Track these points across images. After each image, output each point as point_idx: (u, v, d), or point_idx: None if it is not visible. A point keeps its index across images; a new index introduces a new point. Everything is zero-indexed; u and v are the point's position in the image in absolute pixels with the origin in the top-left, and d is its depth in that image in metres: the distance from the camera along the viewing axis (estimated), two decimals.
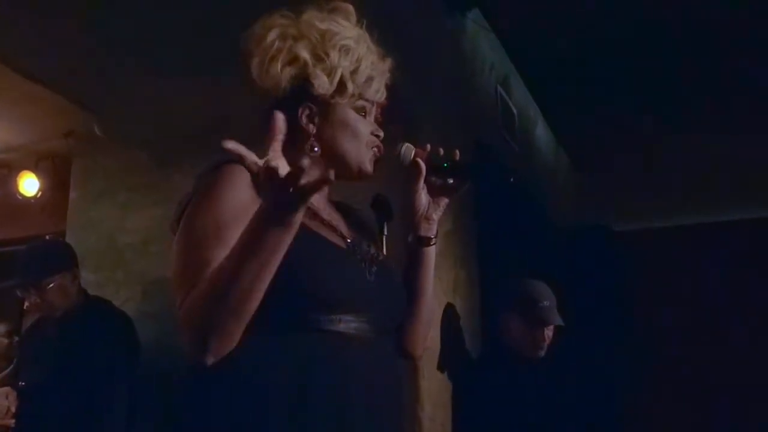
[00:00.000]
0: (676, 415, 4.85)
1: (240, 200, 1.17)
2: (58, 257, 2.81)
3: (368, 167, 1.34)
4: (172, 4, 2.46)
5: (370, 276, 1.28)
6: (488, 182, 1.44)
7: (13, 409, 2.57)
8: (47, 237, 3.85)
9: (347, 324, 1.19)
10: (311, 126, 1.31)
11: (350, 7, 1.38)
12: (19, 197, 4.42)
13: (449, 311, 2.85)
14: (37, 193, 4.43)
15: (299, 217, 1.04)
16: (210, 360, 1.09)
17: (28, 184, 4.43)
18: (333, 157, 1.31)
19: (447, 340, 2.76)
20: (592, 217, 5.01)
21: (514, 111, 4.10)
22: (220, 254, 1.10)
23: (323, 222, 1.30)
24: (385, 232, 1.89)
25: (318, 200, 1.33)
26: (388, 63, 1.38)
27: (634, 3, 3.59)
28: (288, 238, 1.05)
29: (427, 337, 1.48)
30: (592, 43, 3.91)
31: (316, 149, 1.30)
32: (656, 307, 5.05)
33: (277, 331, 1.14)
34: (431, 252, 1.44)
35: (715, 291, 5.04)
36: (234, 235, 1.10)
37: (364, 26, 1.37)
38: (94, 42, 2.67)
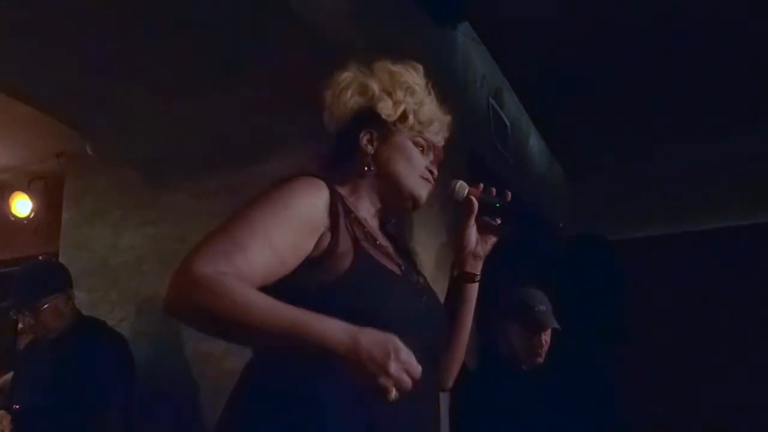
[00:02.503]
0: (675, 422, 4.84)
1: (308, 215, 1.20)
2: (52, 278, 2.79)
3: (420, 192, 1.39)
4: (163, 25, 2.47)
5: (421, 304, 1.30)
6: (534, 229, 1.48)
7: None
8: (41, 258, 3.84)
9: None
10: (369, 147, 1.37)
11: (420, 66, 1.48)
12: (12, 218, 4.41)
13: None
14: (30, 213, 4.42)
15: None
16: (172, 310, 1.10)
17: (21, 205, 4.42)
18: (387, 178, 1.37)
19: None
20: (587, 227, 5.01)
21: (507, 123, 4.11)
22: (259, 253, 1.13)
23: (381, 248, 1.31)
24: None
25: (375, 226, 1.37)
26: (449, 118, 1.46)
27: (625, 13, 3.62)
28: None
29: (458, 371, 1.50)
30: (584, 53, 3.93)
31: (371, 168, 1.36)
32: (652, 314, 5.05)
33: None
34: (474, 288, 1.48)
35: (711, 298, 5.04)
36: (283, 244, 1.15)
37: (430, 86, 1.47)
38: (85, 63, 2.67)
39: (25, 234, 4.48)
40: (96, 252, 3.59)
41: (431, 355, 1.28)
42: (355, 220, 1.28)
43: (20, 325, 3.02)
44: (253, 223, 1.16)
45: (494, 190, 1.44)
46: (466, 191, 1.43)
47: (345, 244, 1.22)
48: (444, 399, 2.77)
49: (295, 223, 1.18)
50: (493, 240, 1.47)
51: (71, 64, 2.69)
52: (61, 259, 3.53)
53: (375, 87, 1.38)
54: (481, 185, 1.45)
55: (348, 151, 1.38)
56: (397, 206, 1.41)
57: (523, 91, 4.44)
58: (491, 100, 3.93)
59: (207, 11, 2.40)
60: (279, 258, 1.16)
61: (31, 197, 4.44)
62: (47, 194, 4.40)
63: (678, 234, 5.33)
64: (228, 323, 1.07)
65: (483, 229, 1.46)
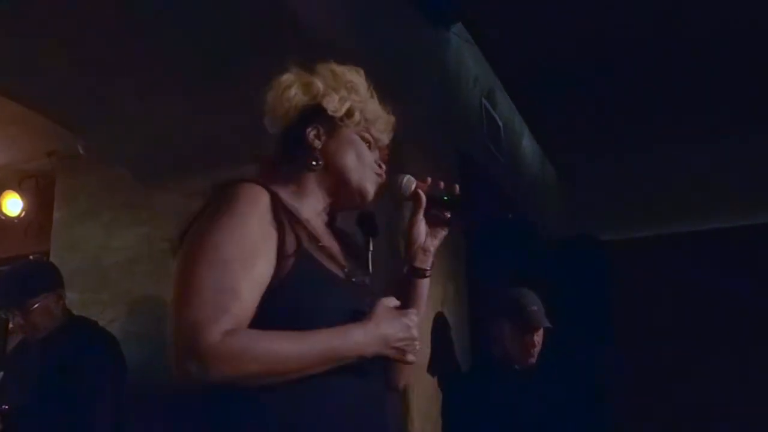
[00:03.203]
0: (671, 423, 4.86)
1: (264, 224, 1.19)
2: (43, 278, 2.78)
3: (368, 186, 1.37)
4: (156, 24, 2.46)
5: (365, 306, 1.27)
6: (485, 218, 1.46)
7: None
8: (31, 257, 3.82)
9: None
10: (317, 142, 1.35)
11: (360, 69, 1.45)
12: (3, 217, 4.38)
13: (439, 320, 2.84)
14: (21, 212, 4.40)
15: None
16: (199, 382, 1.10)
17: (12, 204, 4.39)
18: (335, 171, 1.35)
19: (436, 351, 2.76)
20: (579, 227, 5.02)
21: (500, 123, 4.12)
22: (248, 289, 1.12)
23: (324, 249, 1.29)
24: (371, 248, 1.89)
25: (319, 226, 1.34)
26: (393, 118, 1.44)
27: (619, 14, 3.63)
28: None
29: (412, 372, 1.48)
30: (577, 54, 3.94)
31: (319, 162, 1.34)
32: (644, 315, 5.06)
33: None
34: (425, 284, 1.45)
35: (702, 299, 5.06)
36: (259, 267, 1.14)
37: (371, 89, 1.44)
38: (78, 62, 2.66)
39: (15, 233, 4.46)
40: (87, 252, 3.57)
41: (377, 358, 1.26)
42: (297, 222, 1.26)
43: (10, 325, 3.01)
44: (226, 259, 1.13)
45: (442, 183, 1.43)
46: (414, 186, 1.41)
47: (290, 247, 1.20)
48: (435, 399, 2.78)
49: (258, 239, 1.17)
50: (442, 234, 1.45)
51: (63, 64, 2.68)
52: (52, 259, 3.51)
53: (319, 85, 1.36)
54: (429, 179, 1.43)
55: (294, 148, 1.36)
56: (345, 202, 1.39)
57: (516, 92, 4.45)
58: (484, 101, 3.94)
59: (201, 11, 2.39)
60: (261, 284, 1.16)
61: (22, 196, 4.41)
62: (38, 193, 4.38)
63: (670, 235, 5.35)
64: (263, 376, 1.10)
65: (432, 224, 1.44)
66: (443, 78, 3.45)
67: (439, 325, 2.85)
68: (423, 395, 2.68)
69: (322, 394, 1.16)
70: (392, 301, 1.24)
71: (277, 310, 1.12)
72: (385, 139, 1.42)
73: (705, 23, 3.67)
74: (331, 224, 1.43)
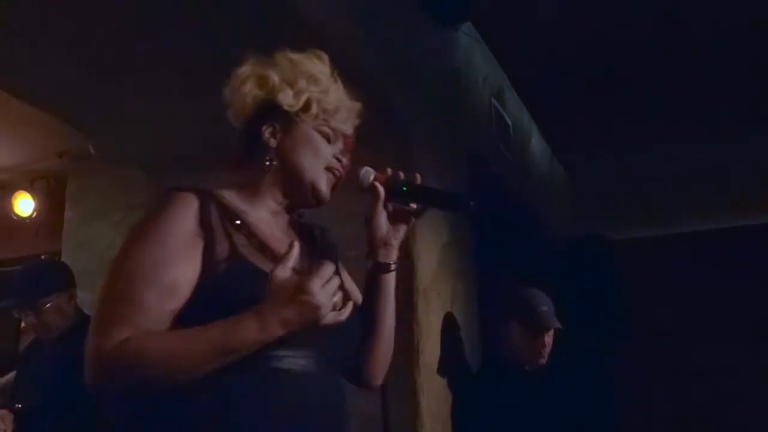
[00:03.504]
0: (676, 422, 4.84)
1: (182, 235, 1.17)
2: (55, 277, 2.79)
3: (322, 187, 1.32)
4: (166, 25, 2.47)
5: None
6: (449, 207, 1.40)
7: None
8: (43, 257, 3.84)
9: (289, 360, 1.16)
10: (272, 140, 1.31)
11: (324, 54, 1.39)
12: (15, 217, 4.41)
13: (448, 320, 2.84)
14: (32, 212, 4.42)
15: None
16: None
17: (23, 204, 4.42)
18: (289, 171, 1.31)
19: (446, 350, 2.76)
20: (588, 227, 5.01)
21: (509, 122, 4.11)
22: (152, 298, 1.11)
23: (268, 252, 1.25)
24: None
25: (269, 227, 1.31)
26: (357, 105, 1.39)
27: (627, 13, 3.62)
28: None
29: (387, 366, 1.43)
30: (586, 53, 3.93)
31: (273, 162, 1.30)
32: (654, 315, 5.05)
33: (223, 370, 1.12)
34: (390, 279, 1.39)
35: (713, 298, 5.04)
36: (169, 275, 1.13)
37: (335, 74, 1.38)
38: (88, 62, 2.68)
39: (27, 233, 4.49)
40: (98, 251, 3.59)
41: (332, 360, 1.23)
42: (239, 226, 1.24)
43: (23, 325, 3.02)
44: (135, 271, 1.13)
45: (402, 174, 1.36)
46: (372, 177, 1.35)
47: (221, 252, 1.18)
48: (445, 400, 2.78)
49: (177, 253, 1.15)
50: (405, 227, 1.37)
51: (74, 64, 2.70)
52: (64, 259, 3.53)
53: (275, 78, 1.31)
54: (389, 170, 1.36)
55: (252, 146, 1.33)
56: (300, 201, 1.34)
57: (525, 91, 4.44)
58: (493, 100, 3.94)
59: (210, 10, 2.40)
60: (173, 292, 1.14)
61: (33, 196, 4.44)
62: (50, 193, 4.41)
63: (679, 234, 5.33)
64: (160, 378, 1.08)
65: (394, 216, 1.37)
66: (452, 77, 3.45)
67: (449, 325, 2.85)
68: (433, 396, 2.68)
69: (267, 397, 1.13)
70: (284, 271, 1.12)
71: (209, 314, 1.10)
72: (347, 128, 1.37)
73: (709, 23, 3.65)
74: (296, 222, 1.40)
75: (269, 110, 1.31)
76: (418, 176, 1.37)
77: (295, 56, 1.35)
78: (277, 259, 1.18)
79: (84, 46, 2.60)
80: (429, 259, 2.86)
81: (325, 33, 2.42)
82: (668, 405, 4.91)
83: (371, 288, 1.38)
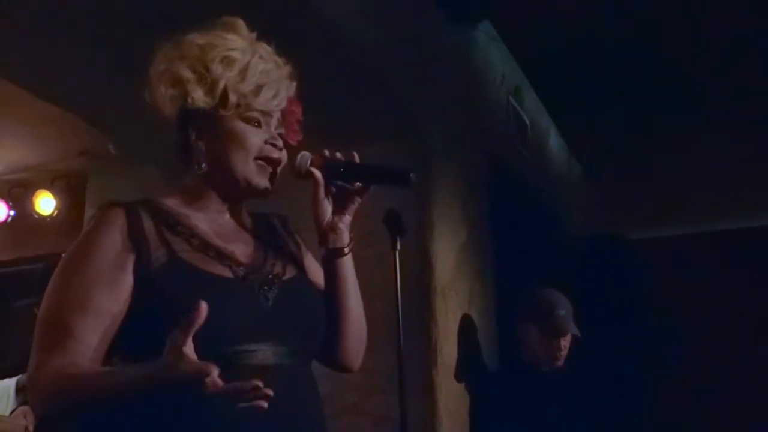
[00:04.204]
0: (696, 424, 4.80)
1: (111, 250, 1.17)
2: None
3: (258, 180, 1.26)
4: (184, 23, 2.48)
5: (266, 301, 1.21)
6: (390, 183, 1.36)
7: (31, 428, 2.57)
8: (63, 255, 3.87)
9: (252, 354, 1.15)
10: (200, 143, 1.27)
11: (238, 21, 1.33)
12: (36, 216, 4.46)
13: (466, 320, 2.83)
14: (53, 211, 4.47)
15: None
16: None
17: (44, 203, 4.47)
18: (220, 172, 1.26)
19: (464, 351, 2.75)
20: (607, 226, 4.97)
21: (527, 121, 4.09)
22: (83, 324, 1.12)
23: (212, 252, 1.22)
24: (398, 247, 1.89)
25: (214, 227, 1.28)
26: (286, 70, 1.31)
27: (646, 10, 3.59)
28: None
29: (363, 350, 1.39)
30: (604, 51, 3.90)
31: (202, 166, 1.26)
32: (673, 315, 5.00)
33: None
34: (346, 262, 1.34)
35: (733, 298, 4.99)
36: (98, 299, 1.13)
37: (256, 36, 1.32)
38: (108, 61, 2.69)
39: (48, 232, 4.53)
40: None
41: (294, 349, 1.21)
42: (180, 231, 1.22)
43: None
44: (65, 297, 1.15)
45: (339, 154, 1.30)
46: (308, 162, 1.29)
47: (158, 259, 1.17)
48: (462, 399, 2.78)
49: (104, 273, 1.15)
50: (351, 208, 1.32)
51: (94, 64, 2.72)
52: None
53: (185, 73, 1.23)
54: (326, 152, 1.30)
55: (185, 150, 1.29)
56: (242, 196, 1.30)
57: (542, 90, 4.42)
58: (511, 99, 3.92)
59: (228, 10, 2.41)
60: (107, 314, 1.14)
61: (54, 195, 4.48)
62: (70, 192, 4.45)
63: (699, 233, 5.28)
64: (95, 402, 1.09)
65: (338, 198, 1.32)
66: (470, 76, 3.44)
67: (466, 327, 2.84)
68: (451, 395, 2.68)
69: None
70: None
71: (155, 323, 1.09)
72: (277, 103, 1.28)
73: (731, 19, 3.61)
74: (250, 214, 1.36)
75: (190, 110, 1.25)
76: (355, 155, 1.32)
77: (204, 39, 1.27)
78: (225, 258, 1.20)
79: (104, 46, 2.62)
80: (447, 259, 2.85)
81: (342, 32, 2.42)
82: (688, 405, 4.86)
83: (329, 275, 1.34)
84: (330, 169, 1.30)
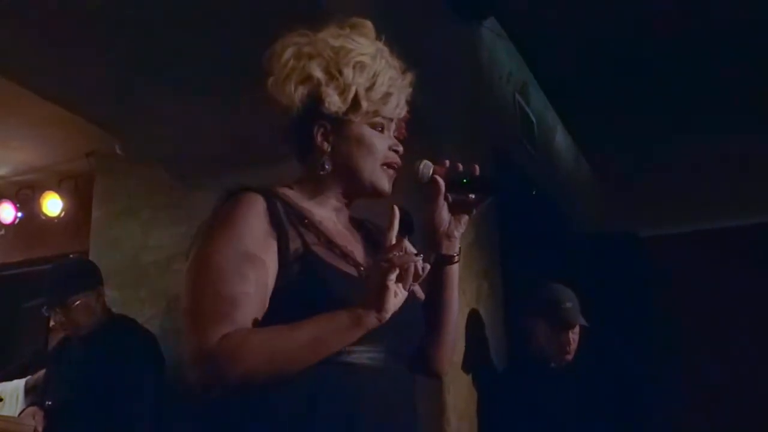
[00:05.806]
0: (704, 421, 4.78)
1: (259, 232, 1.18)
2: (83, 276, 2.83)
3: (383, 185, 1.32)
4: (192, 24, 2.48)
5: None
6: (510, 196, 1.43)
7: (40, 429, 2.58)
8: (71, 256, 3.89)
9: (359, 355, 1.18)
10: (326, 144, 1.30)
11: (368, 23, 1.38)
12: (43, 217, 4.47)
13: (474, 318, 2.83)
14: (61, 212, 4.49)
15: None
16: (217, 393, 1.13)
17: (52, 204, 4.49)
18: (347, 174, 1.31)
19: (472, 348, 2.74)
20: (615, 223, 4.95)
21: (533, 119, 4.08)
22: (244, 293, 1.13)
23: (337, 249, 1.26)
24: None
25: (334, 225, 1.32)
26: (408, 78, 1.36)
27: (654, 7, 3.57)
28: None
29: (452, 356, 1.47)
30: (611, 48, 3.89)
31: (327, 166, 1.29)
32: (683, 312, 4.98)
33: None
34: (454, 270, 1.40)
35: (742, 295, 4.96)
36: (256, 270, 1.14)
37: (382, 41, 1.36)
38: (114, 62, 2.70)
39: (55, 233, 4.55)
40: (126, 250, 3.63)
41: (400, 352, 1.25)
42: (308, 224, 1.25)
43: (52, 323, 3.07)
44: (223, 268, 1.15)
45: (461, 165, 1.37)
46: (431, 171, 1.35)
47: (295, 251, 1.19)
48: (471, 398, 2.77)
49: (253, 248, 1.17)
50: (466, 218, 1.38)
51: (101, 65, 2.72)
52: (91, 258, 3.57)
53: (319, 73, 1.26)
54: (447, 162, 1.36)
55: (305, 145, 1.32)
56: (360, 196, 1.35)
57: (549, 87, 4.41)
58: (517, 96, 3.91)
59: (235, 9, 2.41)
60: (263, 287, 1.16)
61: (61, 196, 4.50)
62: (77, 193, 4.46)
63: (708, 230, 5.26)
64: (265, 373, 1.10)
65: (455, 208, 1.37)
66: (476, 73, 3.43)
67: (474, 323, 2.83)
68: (459, 393, 2.67)
69: (336, 391, 1.15)
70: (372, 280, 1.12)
71: (289, 311, 1.12)
72: (399, 112, 1.33)
73: (740, 14, 3.59)
74: (355, 220, 1.41)
75: (317, 110, 1.28)
76: (477, 167, 1.37)
77: (338, 41, 1.30)
78: (348, 257, 1.24)
79: (111, 48, 2.62)
80: None
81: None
82: (697, 402, 4.84)
83: (437, 282, 1.39)
84: (453, 179, 1.36)
